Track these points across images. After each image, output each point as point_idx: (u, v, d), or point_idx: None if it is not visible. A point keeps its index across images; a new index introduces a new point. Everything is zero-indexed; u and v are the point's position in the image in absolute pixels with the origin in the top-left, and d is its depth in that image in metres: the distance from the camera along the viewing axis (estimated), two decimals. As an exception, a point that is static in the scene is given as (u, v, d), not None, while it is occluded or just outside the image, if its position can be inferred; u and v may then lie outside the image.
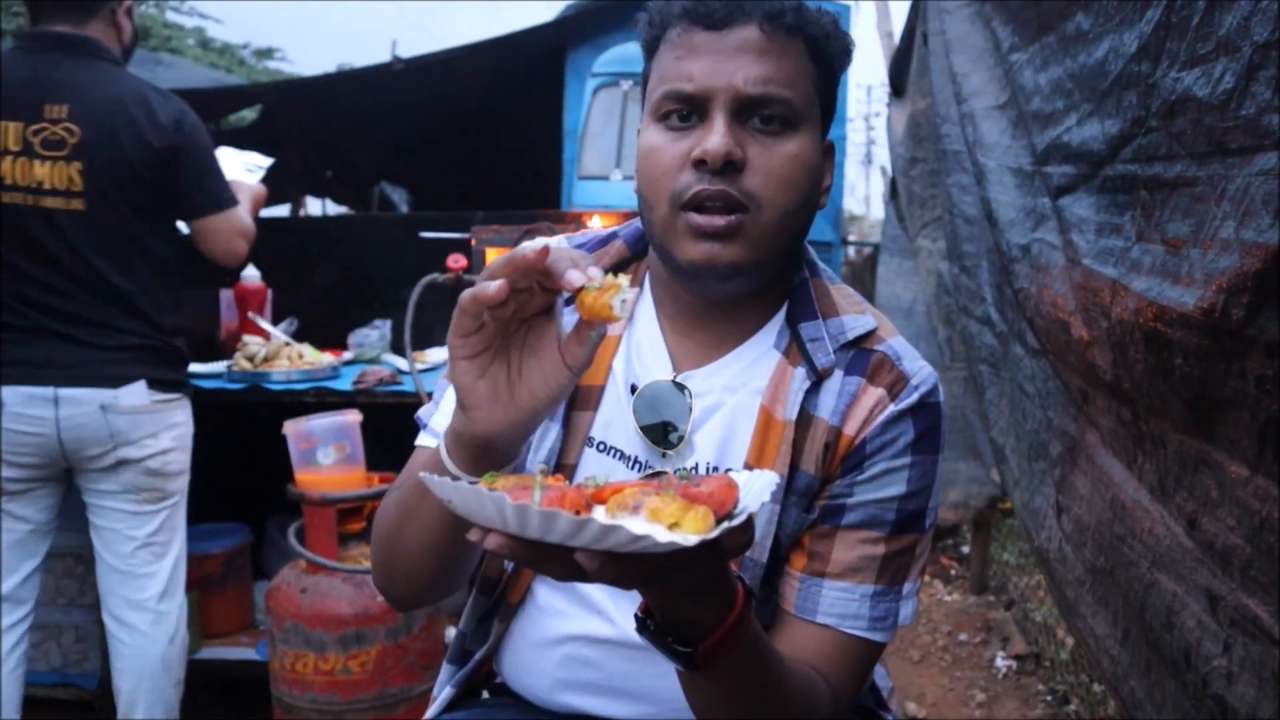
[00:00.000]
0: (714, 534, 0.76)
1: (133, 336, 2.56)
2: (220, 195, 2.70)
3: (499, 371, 0.94)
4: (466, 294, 0.89)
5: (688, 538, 0.75)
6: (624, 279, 0.89)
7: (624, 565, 0.78)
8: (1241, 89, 0.96)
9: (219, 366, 3.40)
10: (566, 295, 0.91)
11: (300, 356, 3.43)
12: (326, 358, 3.51)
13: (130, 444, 2.55)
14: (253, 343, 3.38)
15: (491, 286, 0.87)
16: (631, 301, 1.26)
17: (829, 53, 1.14)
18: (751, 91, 1.06)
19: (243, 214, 2.78)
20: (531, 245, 0.88)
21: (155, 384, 2.59)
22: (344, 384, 3.26)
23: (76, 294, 2.48)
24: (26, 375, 2.45)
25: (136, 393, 2.55)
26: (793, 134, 1.10)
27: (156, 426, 2.60)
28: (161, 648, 2.71)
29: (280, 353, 3.41)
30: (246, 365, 3.29)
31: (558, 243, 0.92)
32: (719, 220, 1.06)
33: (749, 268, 1.10)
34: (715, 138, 1.05)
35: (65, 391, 2.46)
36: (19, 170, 2.43)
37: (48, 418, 2.46)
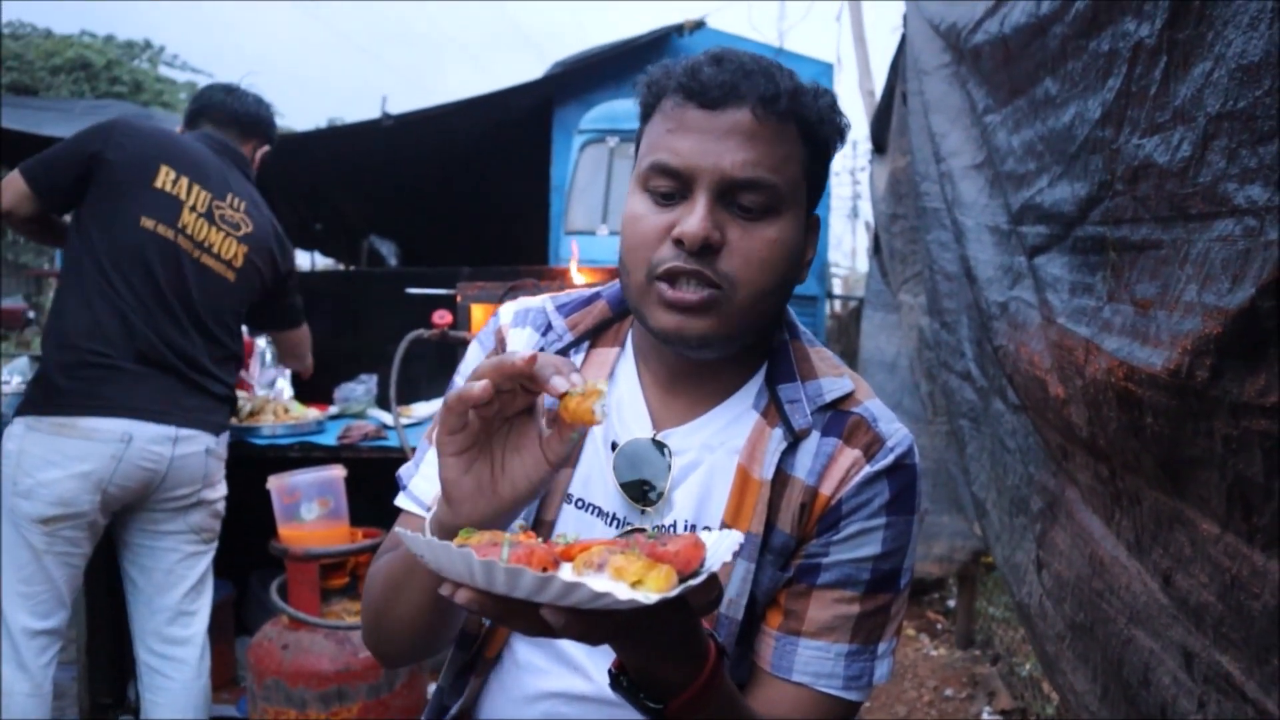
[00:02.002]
0: (674, 592, 0.78)
1: (225, 388, 2.86)
2: (301, 311, 3.26)
3: (483, 467, 0.98)
4: (452, 394, 0.93)
5: (648, 595, 0.76)
6: (603, 385, 0.93)
7: (588, 621, 0.79)
8: (1198, 157, 0.99)
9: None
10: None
11: (285, 411, 3.43)
12: (312, 412, 3.51)
13: (210, 486, 2.81)
14: (238, 397, 3.38)
15: (476, 387, 0.91)
16: (609, 404, 1.28)
17: (823, 135, 1.15)
18: (737, 175, 1.07)
19: (307, 331, 3.33)
20: (520, 354, 0.91)
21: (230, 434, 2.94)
22: (329, 439, 3.26)
23: (199, 343, 2.76)
24: (155, 412, 2.64)
25: (224, 441, 2.87)
26: (775, 219, 1.10)
27: (223, 472, 2.89)
28: (205, 679, 2.85)
29: (265, 407, 3.41)
30: (232, 419, 3.30)
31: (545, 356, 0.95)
32: (690, 296, 1.07)
33: (719, 340, 1.11)
34: (694, 220, 1.06)
35: (184, 431, 2.69)
36: (197, 226, 2.76)
37: (165, 455, 2.65)
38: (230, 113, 2.99)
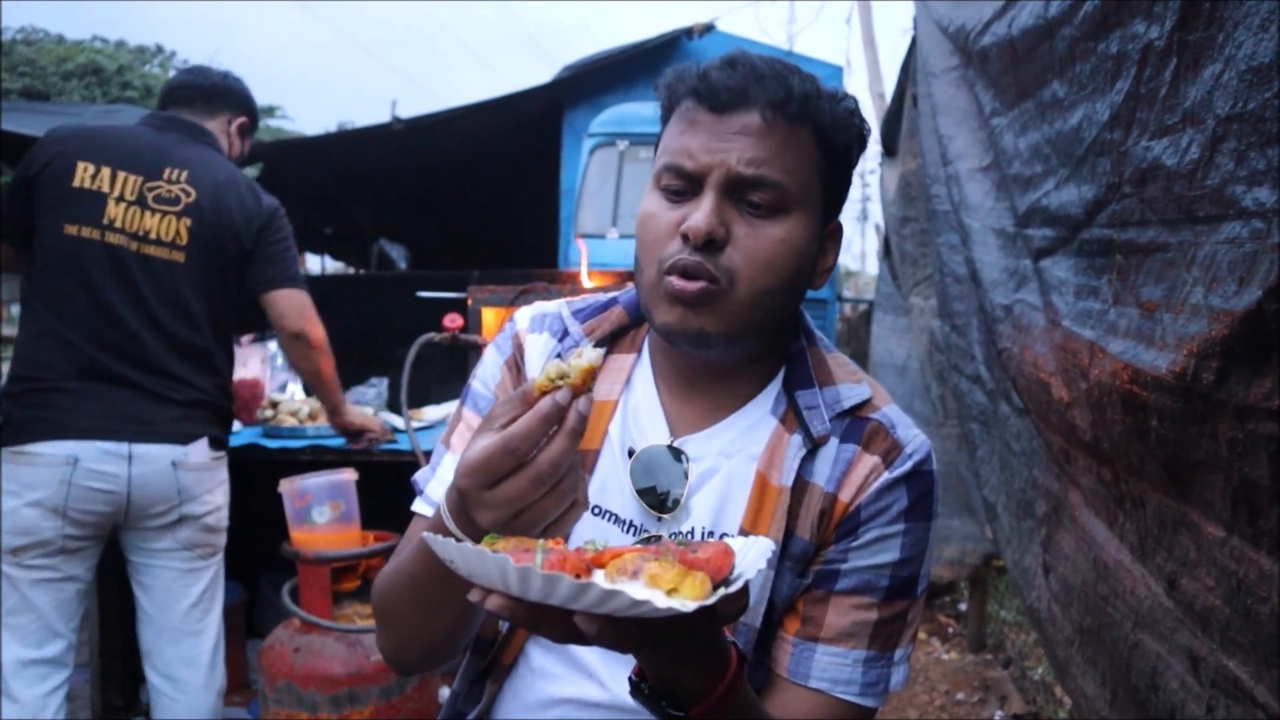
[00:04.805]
0: (712, 600, 0.78)
1: (198, 392, 2.66)
2: (292, 272, 2.87)
3: None
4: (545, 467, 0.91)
5: (686, 604, 0.76)
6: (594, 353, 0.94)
7: (622, 629, 0.80)
8: (1207, 159, 0.99)
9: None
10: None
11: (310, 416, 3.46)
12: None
13: (193, 500, 2.64)
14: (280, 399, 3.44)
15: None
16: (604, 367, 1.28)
17: (840, 140, 1.16)
18: (744, 172, 1.08)
19: (308, 298, 2.89)
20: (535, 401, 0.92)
21: (213, 442, 2.70)
22: (340, 442, 3.27)
23: (155, 343, 2.59)
24: (103, 429, 2.51)
25: (200, 450, 2.65)
26: (782, 218, 1.11)
27: (212, 483, 2.71)
28: (213, 699, 2.76)
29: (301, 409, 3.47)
30: (290, 420, 3.35)
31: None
32: (691, 285, 1.08)
33: (719, 338, 1.11)
34: (699, 215, 1.07)
35: (139, 448, 2.54)
36: (129, 217, 2.59)
37: (121, 475, 2.52)
38: (193, 89, 2.85)
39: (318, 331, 2.89)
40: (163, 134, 2.73)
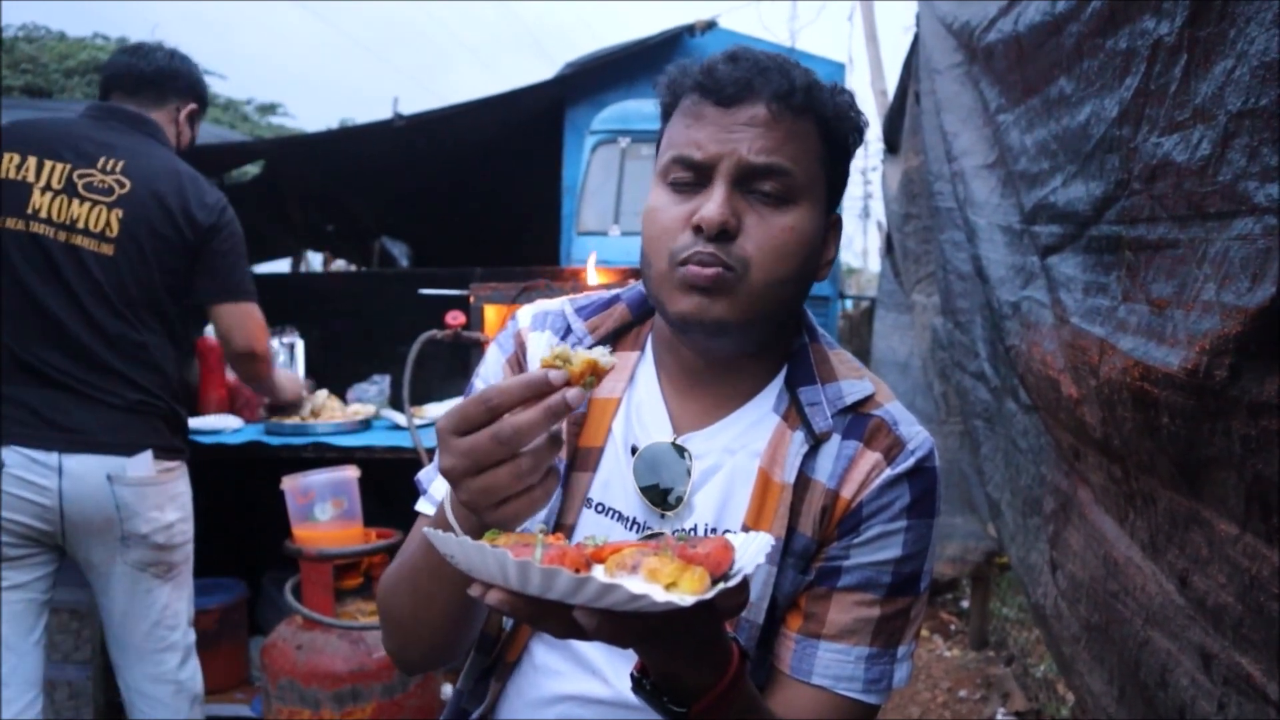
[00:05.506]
0: (710, 594, 0.78)
1: (139, 392, 2.48)
2: (245, 285, 2.70)
3: None
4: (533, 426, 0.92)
5: (684, 598, 0.76)
6: (602, 352, 0.95)
7: (621, 623, 0.80)
8: (1218, 155, 0.98)
9: (234, 421, 3.44)
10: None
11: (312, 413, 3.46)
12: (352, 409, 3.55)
13: (136, 517, 2.45)
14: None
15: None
16: (627, 367, 1.28)
17: (840, 132, 1.17)
18: (754, 161, 1.09)
19: (259, 312, 2.75)
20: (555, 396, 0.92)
21: (161, 452, 2.52)
22: (343, 439, 3.26)
23: (86, 336, 2.42)
24: (29, 435, 2.36)
25: (143, 464, 2.46)
26: (791, 207, 1.12)
27: (161, 499, 2.51)
28: (186, 707, 2.63)
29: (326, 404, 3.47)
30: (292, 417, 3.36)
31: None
32: (708, 270, 1.08)
33: (735, 326, 1.12)
34: (712, 205, 1.08)
35: (70, 460, 2.38)
36: (55, 206, 2.44)
37: (51, 487, 2.37)
38: (137, 75, 2.65)
39: (264, 346, 2.77)
40: (101, 124, 2.59)
